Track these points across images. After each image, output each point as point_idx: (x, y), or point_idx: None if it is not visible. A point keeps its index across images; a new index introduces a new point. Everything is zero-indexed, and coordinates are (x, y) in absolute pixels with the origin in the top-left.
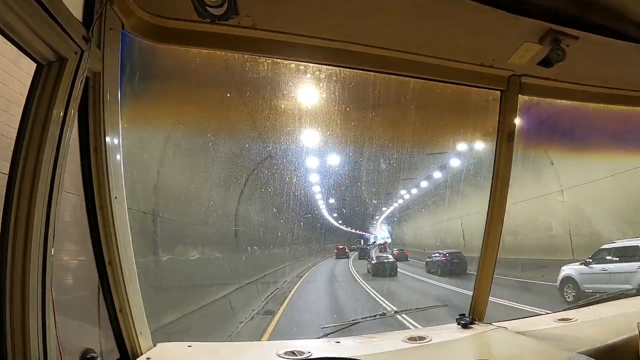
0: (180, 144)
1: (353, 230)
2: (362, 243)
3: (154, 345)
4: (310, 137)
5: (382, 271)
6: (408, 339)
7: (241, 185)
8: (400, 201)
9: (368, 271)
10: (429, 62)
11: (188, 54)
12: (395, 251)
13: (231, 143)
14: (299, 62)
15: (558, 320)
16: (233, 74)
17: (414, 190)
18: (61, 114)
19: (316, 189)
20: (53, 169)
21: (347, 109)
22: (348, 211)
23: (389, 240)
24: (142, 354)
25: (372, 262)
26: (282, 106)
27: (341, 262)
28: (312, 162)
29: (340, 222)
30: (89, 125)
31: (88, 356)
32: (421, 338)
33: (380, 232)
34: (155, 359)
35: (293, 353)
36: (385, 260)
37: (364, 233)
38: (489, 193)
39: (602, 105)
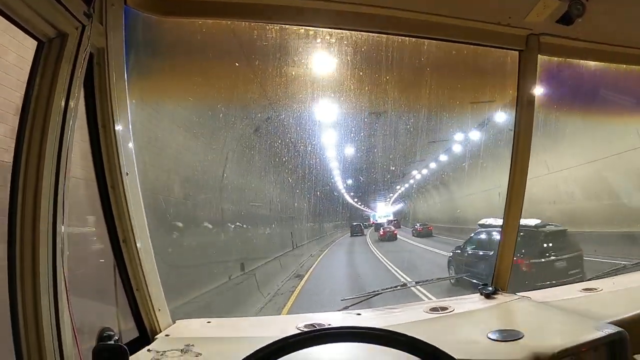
0: (191, 118)
1: (367, 209)
2: (370, 220)
3: (173, 322)
4: (323, 104)
5: (387, 238)
6: (430, 309)
7: (253, 158)
8: (424, 172)
9: (378, 238)
10: (442, 22)
11: (193, 25)
12: (418, 226)
13: (242, 114)
14: (308, 28)
15: (583, 290)
16: (241, 43)
17: (435, 162)
18: (65, 90)
19: (331, 158)
20: (59, 145)
21: (360, 73)
22: (364, 185)
23: (391, 217)
24: (161, 331)
25: (380, 232)
26: (293, 73)
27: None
28: (325, 131)
29: (355, 199)
30: (96, 102)
31: (105, 334)
32: (443, 308)
33: (395, 208)
34: (175, 335)
35: (313, 326)
36: (389, 231)
37: (376, 211)
38: (510, 159)
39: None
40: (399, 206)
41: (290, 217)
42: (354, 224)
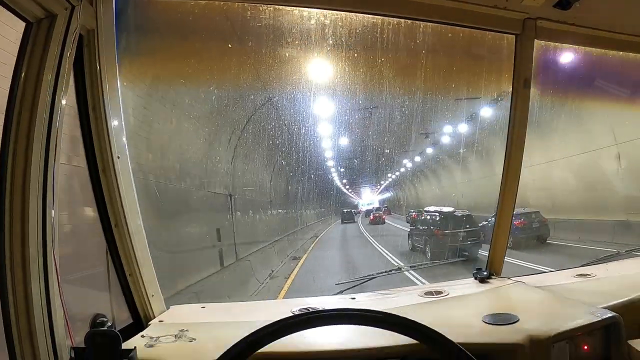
0: (183, 100)
1: (356, 197)
2: (358, 208)
3: (167, 308)
4: (316, 88)
5: (376, 222)
6: (425, 293)
7: (245, 141)
8: (419, 159)
9: (369, 222)
10: (438, 4)
11: (185, 6)
12: (413, 213)
13: (235, 96)
14: (302, 9)
15: (577, 275)
16: (233, 25)
17: (432, 148)
18: (54, 72)
19: (321, 137)
20: (48, 128)
21: (355, 55)
22: (357, 169)
23: (378, 205)
24: (154, 317)
25: (370, 217)
26: (287, 55)
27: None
28: (318, 114)
29: (346, 184)
30: (86, 84)
31: (98, 321)
32: (438, 292)
33: (387, 195)
34: (168, 321)
35: (307, 309)
36: (378, 216)
37: (366, 199)
38: (505, 145)
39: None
40: (392, 193)
41: (222, 195)
42: (345, 210)
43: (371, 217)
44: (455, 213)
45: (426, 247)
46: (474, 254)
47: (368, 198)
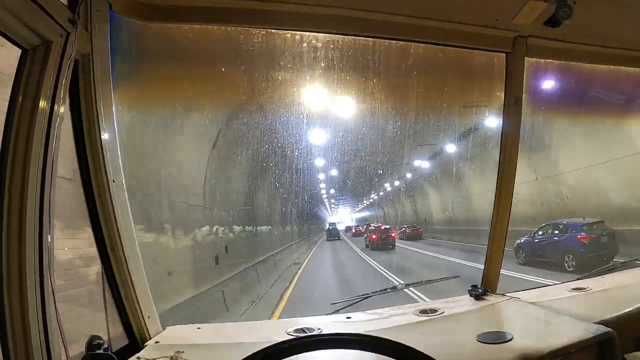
0: (177, 124)
1: (333, 216)
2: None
3: (163, 329)
4: (308, 110)
5: (357, 235)
6: (420, 312)
7: (241, 162)
8: (409, 176)
9: (351, 235)
10: (429, 25)
11: (180, 30)
12: (407, 228)
13: (229, 119)
14: (294, 32)
15: (572, 289)
16: (227, 48)
17: (423, 164)
18: (50, 98)
19: (318, 166)
20: (44, 154)
21: (347, 77)
22: (350, 188)
23: (356, 224)
24: (150, 338)
25: (352, 231)
26: (279, 77)
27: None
28: (306, 137)
29: (332, 202)
30: (81, 108)
31: (94, 343)
32: (433, 310)
33: (376, 212)
34: (164, 342)
35: (303, 330)
36: (358, 230)
37: (340, 219)
38: (497, 161)
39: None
40: (373, 211)
41: None
42: (331, 227)
43: (353, 230)
44: (381, 227)
45: (369, 244)
46: (393, 246)
47: (342, 217)
